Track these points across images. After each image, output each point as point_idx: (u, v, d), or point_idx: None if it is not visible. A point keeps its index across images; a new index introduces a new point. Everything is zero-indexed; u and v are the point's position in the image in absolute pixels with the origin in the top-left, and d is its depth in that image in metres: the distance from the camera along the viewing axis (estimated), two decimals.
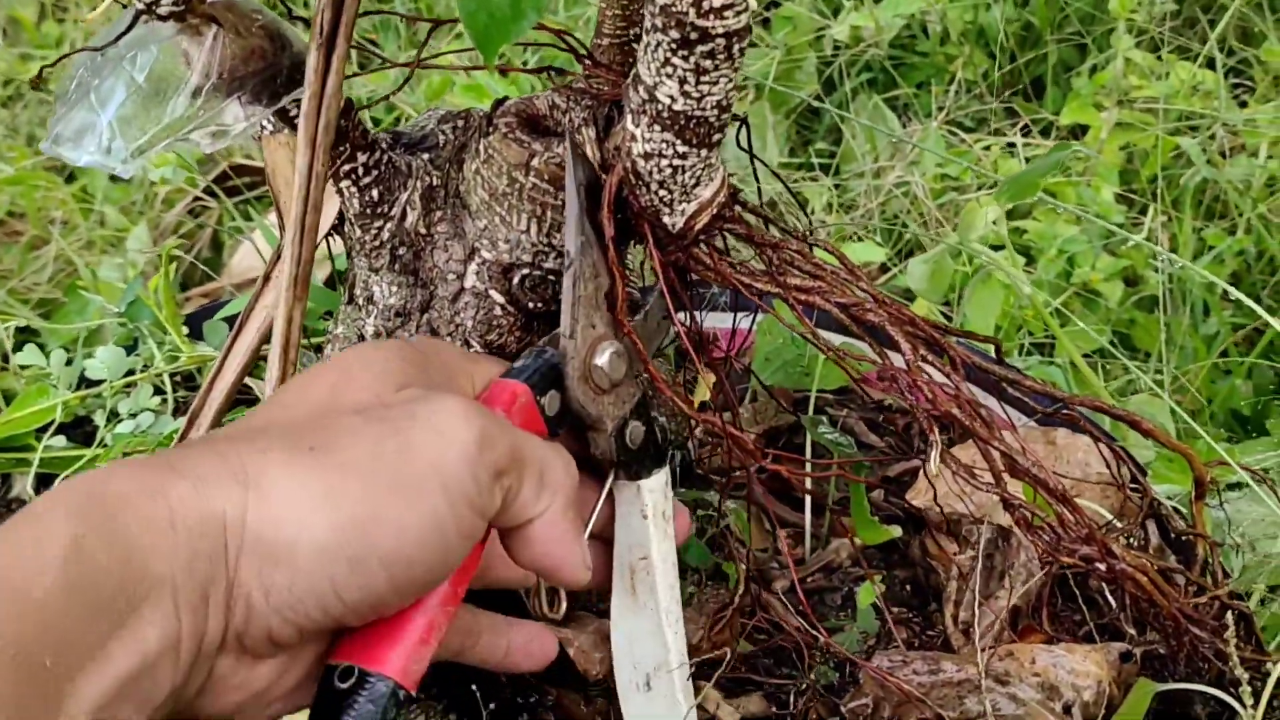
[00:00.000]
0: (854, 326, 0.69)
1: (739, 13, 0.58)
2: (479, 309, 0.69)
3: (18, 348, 0.92)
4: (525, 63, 1.62)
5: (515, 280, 0.68)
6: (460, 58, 1.51)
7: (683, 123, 0.62)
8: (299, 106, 0.65)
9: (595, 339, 0.62)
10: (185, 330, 0.93)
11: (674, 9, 0.58)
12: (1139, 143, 1.54)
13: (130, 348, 0.93)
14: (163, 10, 0.58)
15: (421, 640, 0.52)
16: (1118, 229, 1.10)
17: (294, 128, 0.67)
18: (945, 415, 0.66)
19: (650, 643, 0.66)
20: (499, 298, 0.68)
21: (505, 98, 0.70)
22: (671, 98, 0.61)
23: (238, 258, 1.50)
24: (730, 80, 0.62)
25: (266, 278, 0.74)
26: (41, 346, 0.91)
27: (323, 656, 0.52)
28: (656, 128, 0.63)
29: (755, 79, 1.65)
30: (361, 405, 0.52)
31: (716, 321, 0.88)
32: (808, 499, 0.88)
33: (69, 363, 0.89)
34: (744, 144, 0.75)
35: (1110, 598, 0.73)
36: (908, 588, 0.84)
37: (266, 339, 0.74)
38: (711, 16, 0.58)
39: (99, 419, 0.89)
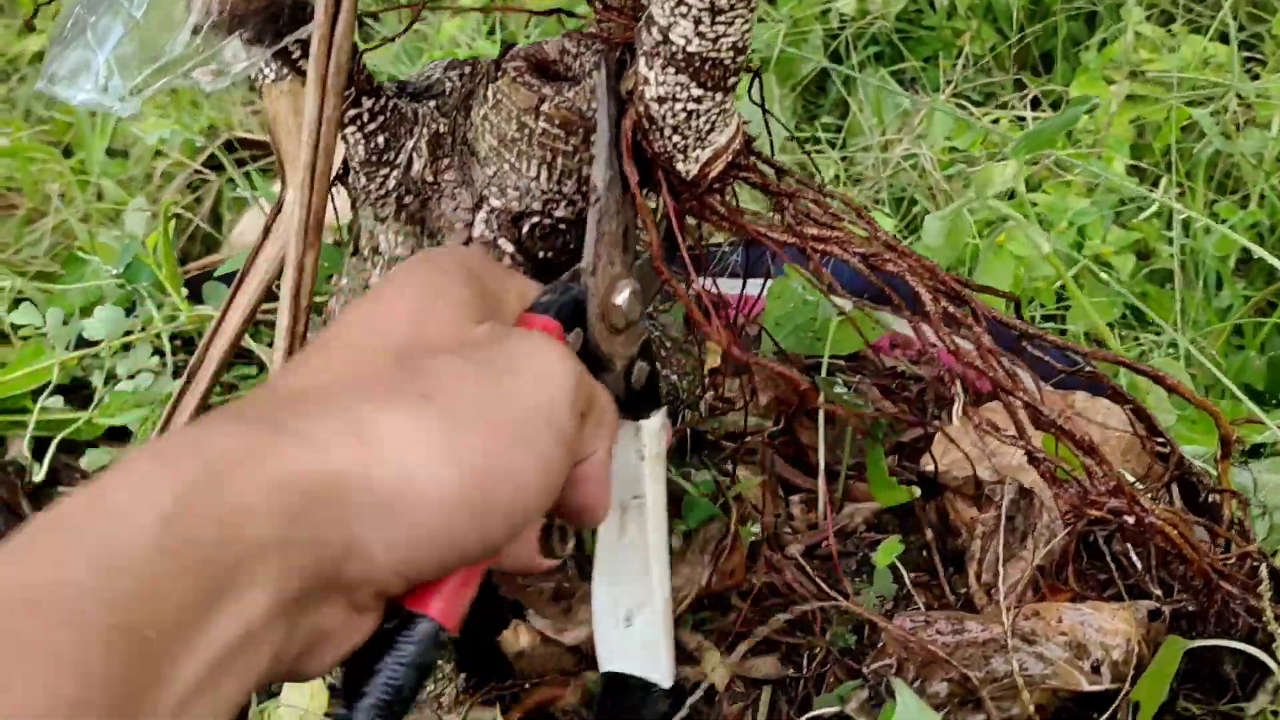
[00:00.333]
0: (873, 278, 0.67)
1: None
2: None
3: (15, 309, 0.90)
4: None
5: (525, 229, 0.66)
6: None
7: (697, 65, 0.60)
8: (301, 48, 0.64)
9: (614, 278, 0.60)
10: (185, 293, 0.91)
11: None
12: (1150, 116, 1.52)
13: (129, 310, 0.91)
14: None
15: (463, 582, 0.51)
16: (1137, 192, 1.08)
17: (296, 71, 0.65)
18: (968, 367, 0.64)
19: (635, 582, 0.64)
20: (508, 247, 0.67)
21: (513, 43, 0.68)
22: (686, 38, 0.59)
23: (238, 230, 1.48)
24: (746, 21, 0.60)
25: (267, 230, 0.72)
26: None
27: None
28: (670, 70, 0.61)
29: (761, 51, 1.63)
30: (450, 343, 0.51)
31: (728, 288, 0.86)
32: (821, 463, 0.86)
33: (66, 322, 0.87)
34: (755, 101, 0.73)
35: (1135, 558, 0.71)
36: (924, 552, 0.82)
37: (267, 296, 0.72)
38: None
39: (96, 380, 0.87)
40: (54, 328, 0.86)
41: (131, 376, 0.83)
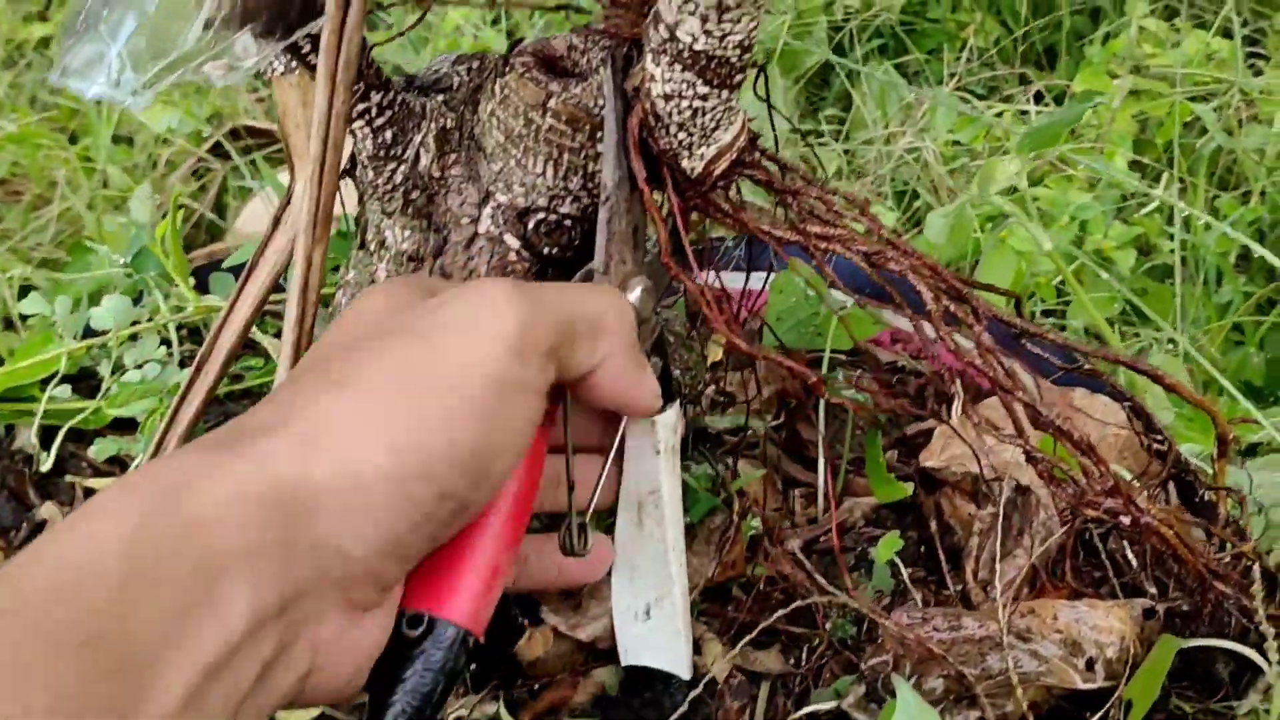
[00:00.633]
0: (875, 276, 0.68)
1: None
2: (493, 254, 0.67)
3: (22, 297, 0.91)
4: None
5: (530, 225, 0.67)
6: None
7: (704, 62, 0.61)
8: (311, 43, 0.64)
9: (626, 275, 0.61)
10: (191, 282, 0.91)
11: None
12: (1152, 111, 1.52)
13: (136, 299, 0.92)
14: None
15: (487, 586, 0.52)
16: (1137, 189, 1.08)
17: (306, 65, 0.65)
18: (968, 366, 0.64)
19: (653, 574, 0.65)
20: (514, 242, 0.67)
21: (521, 38, 0.69)
22: (693, 36, 0.60)
23: (243, 219, 1.48)
24: (753, 19, 0.60)
25: (276, 222, 0.72)
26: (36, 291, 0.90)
27: None
28: (677, 67, 0.61)
29: (765, 43, 1.63)
30: (394, 322, 0.51)
31: (729, 281, 0.87)
32: (821, 457, 0.87)
33: (73, 311, 0.87)
34: (760, 95, 0.74)
35: (1131, 555, 0.72)
36: (922, 548, 0.83)
37: (275, 287, 0.73)
38: None
39: (104, 370, 0.87)
40: (62, 317, 0.86)
41: (139, 366, 0.84)
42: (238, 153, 1.53)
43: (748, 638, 0.71)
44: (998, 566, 0.69)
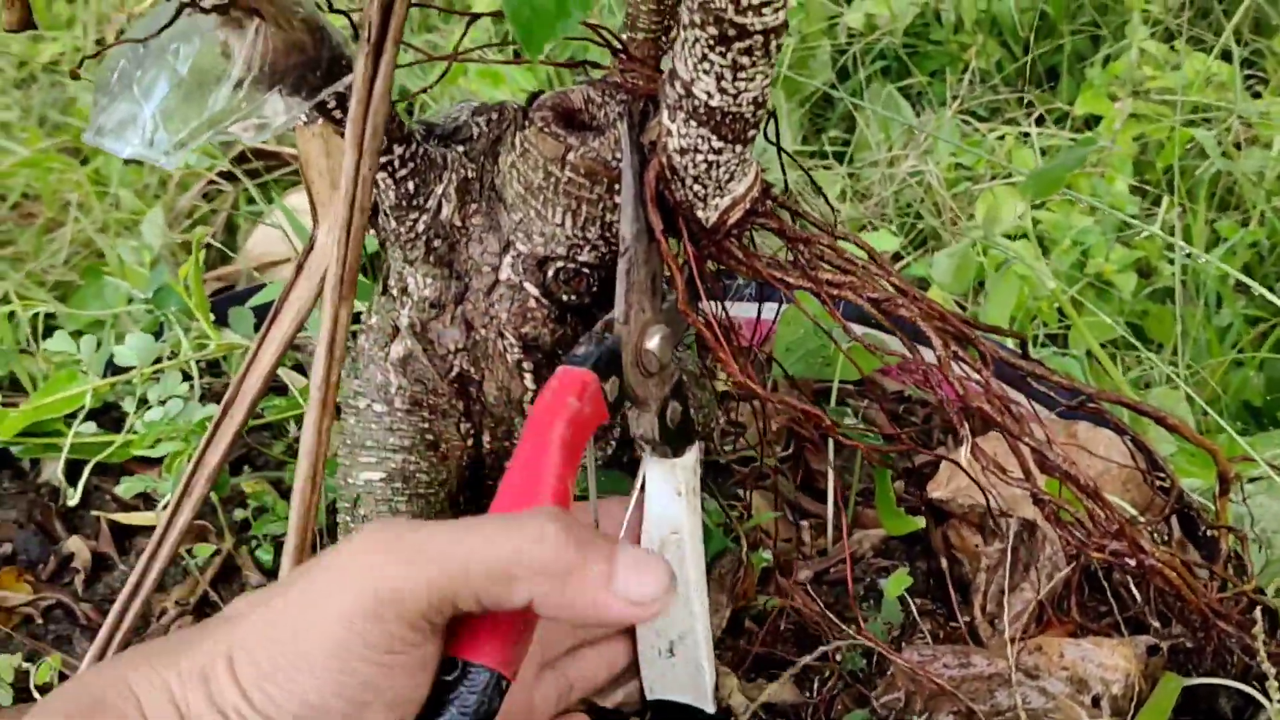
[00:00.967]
0: (885, 321, 0.70)
1: (776, 9, 0.59)
2: (514, 301, 0.69)
3: (46, 333, 0.93)
4: (552, 55, 1.62)
5: (550, 273, 0.69)
6: (496, 52, 1.50)
7: (719, 118, 0.63)
8: (336, 99, 0.66)
9: (645, 323, 0.63)
10: (212, 317, 0.93)
11: (713, 5, 0.58)
12: (1153, 134, 1.54)
13: (157, 334, 0.94)
14: (206, 3, 0.58)
15: (519, 631, 0.53)
16: (1133, 220, 1.10)
17: (331, 119, 0.67)
18: (977, 411, 0.66)
19: (677, 613, 0.67)
20: (534, 290, 0.69)
21: (540, 91, 0.71)
22: (708, 94, 0.61)
23: (253, 240, 1.50)
24: (766, 76, 0.62)
25: (299, 268, 0.74)
26: (59, 329, 0.92)
27: None
28: (693, 123, 0.63)
29: None
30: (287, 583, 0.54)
31: (739, 311, 0.88)
32: (830, 489, 0.89)
33: (98, 347, 0.89)
34: (769, 135, 0.75)
35: (1135, 590, 0.74)
36: (930, 580, 0.85)
37: (300, 328, 0.75)
38: (750, 13, 0.58)
39: (128, 405, 0.89)
40: (87, 354, 0.88)
41: (162, 402, 0.86)
42: (246, 176, 1.55)
43: (779, 678, 0.72)
44: (1005, 601, 0.70)
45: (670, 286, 0.66)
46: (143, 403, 0.88)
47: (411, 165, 0.68)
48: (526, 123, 0.68)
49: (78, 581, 0.86)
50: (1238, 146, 1.55)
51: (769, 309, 0.85)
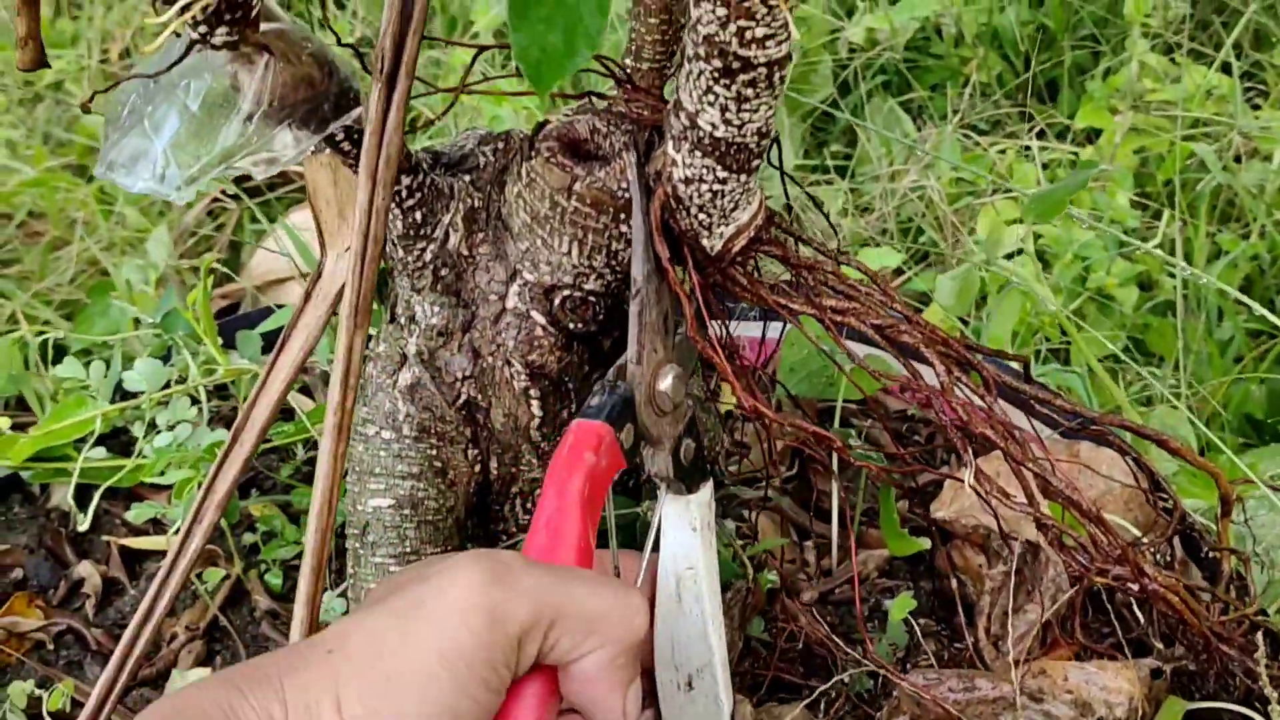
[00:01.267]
0: (888, 347, 0.70)
1: (781, 42, 0.59)
2: (520, 329, 0.70)
3: (56, 359, 0.93)
4: (561, 86, 1.63)
5: (556, 301, 0.69)
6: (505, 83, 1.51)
7: (724, 149, 0.63)
8: (345, 132, 0.67)
9: (658, 364, 0.64)
10: (219, 341, 0.94)
11: (717, 39, 0.59)
12: (1153, 147, 1.55)
13: (164, 358, 0.94)
14: (217, 40, 0.59)
15: (543, 702, 0.55)
16: (1132, 238, 1.11)
17: (339, 151, 0.68)
18: (980, 436, 0.67)
19: (694, 646, 0.67)
20: (540, 318, 0.70)
21: (546, 120, 0.71)
22: (713, 125, 0.62)
23: (257, 259, 1.50)
24: (771, 108, 0.63)
25: (307, 296, 0.75)
26: (67, 351, 0.93)
27: None
28: (697, 154, 0.64)
29: None
30: (378, 596, 0.55)
31: (742, 331, 0.89)
32: (834, 510, 0.89)
33: (106, 372, 0.90)
34: (771, 159, 0.76)
35: (1138, 612, 0.74)
36: (934, 600, 0.85)
37: (309, 355, 0.75)
38: (754, 46, 0.59)
39: (137, 430, 0.90)
40: (96, 379, 0.89)
41: (171, 427, 0.86)
42: (248, 195, 1.55)
43: (790, 705, 0.73)
44: (1009, 624, 0.71)
45: (680, 316, 0.67)
46: (152, 427, 0.89)
47: (419, 195, 0.69)
48: (533, 153, 0.69)
49: (89, 606, 0.87)
50: (1238, 160, 1.55)
51: (773, 328, 0.86)
